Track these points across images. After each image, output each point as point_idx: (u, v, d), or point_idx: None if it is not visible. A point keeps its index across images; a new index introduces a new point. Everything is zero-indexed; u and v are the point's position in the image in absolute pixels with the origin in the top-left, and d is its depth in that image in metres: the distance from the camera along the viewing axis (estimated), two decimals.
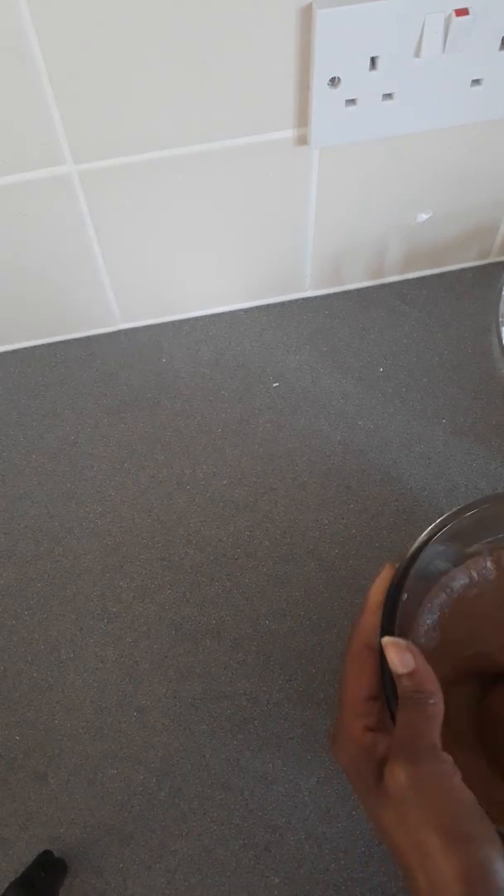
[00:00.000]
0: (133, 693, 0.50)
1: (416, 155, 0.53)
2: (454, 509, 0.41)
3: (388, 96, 0.46)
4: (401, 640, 0.36)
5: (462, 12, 0.42)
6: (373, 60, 0.44)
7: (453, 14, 0.42)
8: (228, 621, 0.52)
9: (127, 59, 0.43)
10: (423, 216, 0.59)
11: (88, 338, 0.64)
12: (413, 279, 0.65)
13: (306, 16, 0.42)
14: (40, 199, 0.50)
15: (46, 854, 0.45)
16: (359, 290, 0.65)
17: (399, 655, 0.35)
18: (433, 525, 0.40)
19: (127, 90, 0.44)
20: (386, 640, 0.36)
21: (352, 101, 0.46)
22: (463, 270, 0.66)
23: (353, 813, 0.47)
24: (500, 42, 0.44)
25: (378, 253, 0.62)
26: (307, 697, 0.49)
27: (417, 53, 0.44)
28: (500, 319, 0.48)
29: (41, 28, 0.40)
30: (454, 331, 0.63)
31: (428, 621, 0.43)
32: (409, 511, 0.55)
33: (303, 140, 0.49)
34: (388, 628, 0.37)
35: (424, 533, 0.40)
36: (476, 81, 0.46)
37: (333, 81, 0.45)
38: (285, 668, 0.50)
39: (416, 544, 0.39)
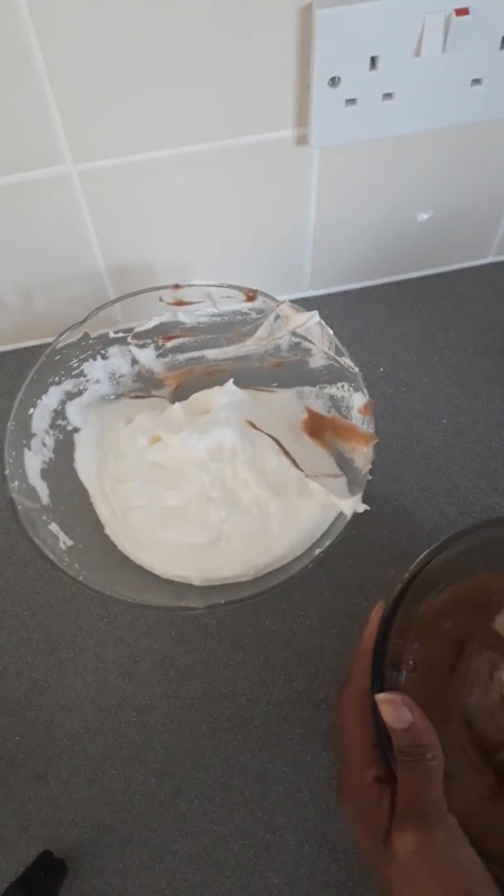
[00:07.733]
0: (133, 693, 0.50)
1: (416, 155, 0.53)
2: (433, 547, 0.39)
3: (388, 96, 0.46)
4: (395, 696, 0.35)
5: (462, 12, 0.42)
6: (373, 60, 0.44)
7: (453, 14, 0.42)
8: (228, 621, 0.52)
9: (127, 60, 0.43)
10: (424, 216, 0.59)
11: None
12: (413, 279, 0.65)
13: (306, 15, 0.42)
14: (40, 199, 0.50)
15: (46, 854, 0.45)
16: (359, 290, 0.65)
17: (395, 711, 0.34)
18: (416, 563, 0.39)
19: (127, 90, 0.44)
20: (380, 697, 0.35)
21: (352, 101, 0.46)
22: (463, 270, 0.66)
23: None
24: (500, 42, 0.44)
25: (378, 253, 0.62)
26: (307, 697, 0.49)
27: (417, 53, 0.44)
28: None
29: (41, 28, 0.40)
30: (454, 331, 0.63)
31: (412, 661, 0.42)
32: (409, 511, 0.55)
33: (303, 140, 0.49)
34: (377, 684, 0.36)
35: (408, 573, 0.38)
36: (476, 81, 0.46)
37: (333, 81, 0.45)
38: (285, 668, 0.50)
39: (398, 588, 0.38)
